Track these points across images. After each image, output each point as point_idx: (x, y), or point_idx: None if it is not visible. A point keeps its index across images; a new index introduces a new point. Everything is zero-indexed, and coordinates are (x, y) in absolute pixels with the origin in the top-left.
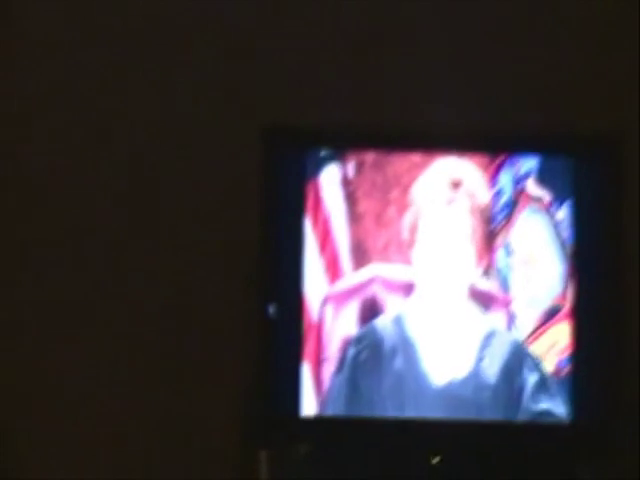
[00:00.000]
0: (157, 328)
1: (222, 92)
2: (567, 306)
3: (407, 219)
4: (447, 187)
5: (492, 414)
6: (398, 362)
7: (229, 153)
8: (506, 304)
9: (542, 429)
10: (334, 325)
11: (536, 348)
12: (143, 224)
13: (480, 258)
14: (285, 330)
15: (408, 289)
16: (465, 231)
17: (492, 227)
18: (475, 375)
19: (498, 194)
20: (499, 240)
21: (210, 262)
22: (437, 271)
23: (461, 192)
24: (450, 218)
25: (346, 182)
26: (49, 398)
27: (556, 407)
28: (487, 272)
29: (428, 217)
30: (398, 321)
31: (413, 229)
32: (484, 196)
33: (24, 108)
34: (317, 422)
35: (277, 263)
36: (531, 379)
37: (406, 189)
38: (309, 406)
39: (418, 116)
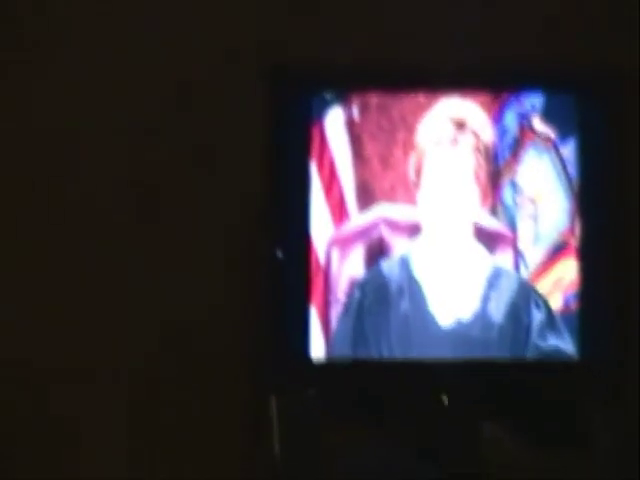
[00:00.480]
0: (164, 273)
1: (227, 34)
2: (573, 242)
3: (412, 161)
4: (451, 127)
5: (500, 353)
6: (405, 303)
7: (234, 97)
8: (513, 241)
9: (550, 366)
10: (341, 267)
11: (543, 285)
12: (147, 167)
13: (486, 197)
14: (292, 273)
15: (414, 230)
16: (470, 171)
17: (498, 165)
18: (482, 314)
19: (503, 132)
20: (505, 178)
21: (216, 207)
22: (443, 212)
23: (466, 132)
24: (455, 158)
25: (351, 124)
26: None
27: (564, 344)
28: (493, 210)
29: (433, 158)
30: (404, 262)
31: (418, 170)
32: (489, 135)
33: None
34: (325, 364)
35: (283, 206)
36: (538, 317)
37: (411, 130)
38: (317, 349)
39: (421, 56)
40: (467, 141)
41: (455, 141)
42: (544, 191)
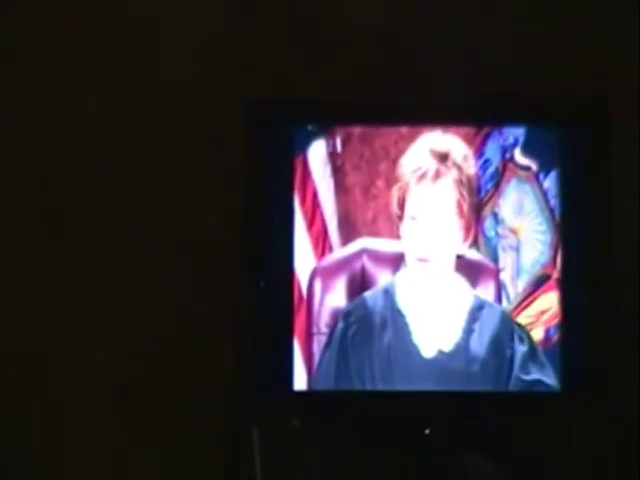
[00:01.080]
0: (149, 300)
1: (209, 67)
2: (555, 274)
3: (395, 194)
4: (434, 161)
5: (482, 386)
6: (388, 335)
7: (216, 129)
8: (495, 274)
9: (532, 399)
10: (323, 299)
11: (525, 318)
12: (134, 198)
13: (469, 230)
14: (275, 305)
15: (397, 262)
16: (453, 204)
17: (480, 198)
18: (465, 347)
19: (485, 165)
20: (487, 210)
21: (199, 238)
22: (426, 244)
23: (448, 165)
24: (438, 192)
25: (334, 155)
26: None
27: (546, 377)
28: (475, 242)
29: (416, 192)
30: (387, 294)
31: (402, 204)
32: (471, 168)
33: None
34: (308, 396)
35: (266, 239)
36: (521, 350)
37: (394, 162)
38: (299, 381)
39: (404, 91)
40: (450, 174)
41: (438, 174)
42: (526, 223)
